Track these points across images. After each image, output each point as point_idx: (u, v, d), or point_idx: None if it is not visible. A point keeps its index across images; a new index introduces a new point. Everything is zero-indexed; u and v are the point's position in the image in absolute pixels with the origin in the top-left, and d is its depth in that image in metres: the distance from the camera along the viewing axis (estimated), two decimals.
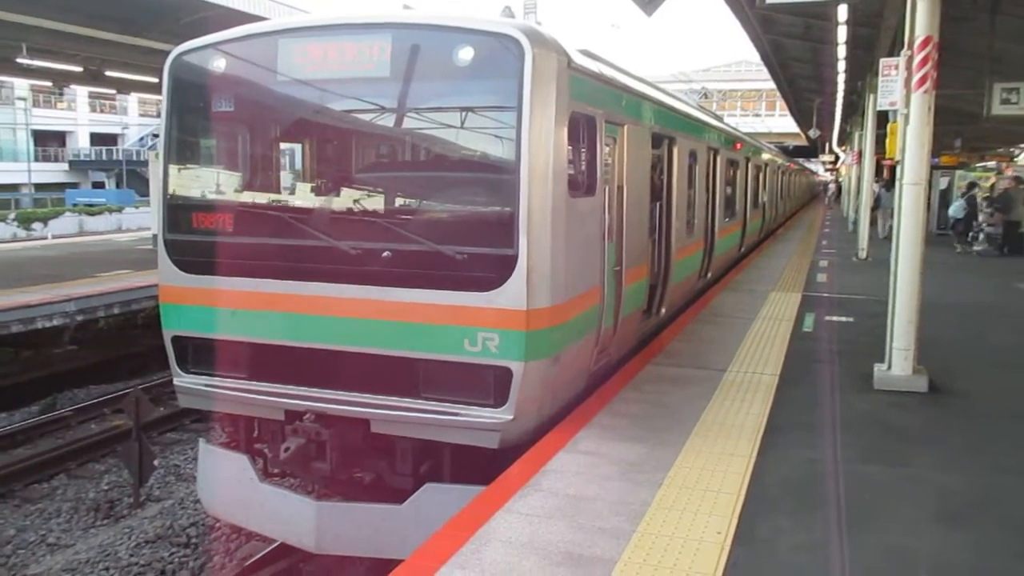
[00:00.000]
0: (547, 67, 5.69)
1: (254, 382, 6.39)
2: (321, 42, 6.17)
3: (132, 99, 63.37)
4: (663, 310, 9.75)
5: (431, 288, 5.74)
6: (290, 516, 6.26)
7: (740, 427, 6.34)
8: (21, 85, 54.87)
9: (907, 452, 6.07)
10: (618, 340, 7.70)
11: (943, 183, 27.37)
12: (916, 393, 7.49)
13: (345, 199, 6.49)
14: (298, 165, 7.24)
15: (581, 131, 6.49)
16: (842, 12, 13.78)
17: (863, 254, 19.34)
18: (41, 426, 11.78)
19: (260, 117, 6.91)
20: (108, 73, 20.25)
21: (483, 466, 5.82)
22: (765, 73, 28.45)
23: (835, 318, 11.32)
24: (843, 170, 50.53)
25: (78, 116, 67.90)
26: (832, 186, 71.23)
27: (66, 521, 9.00)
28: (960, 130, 26.10)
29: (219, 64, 6.45)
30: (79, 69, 19.64)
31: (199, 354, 6.63)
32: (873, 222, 22.04)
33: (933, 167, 25.75)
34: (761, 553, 4.36)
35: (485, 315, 5.64)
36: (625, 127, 7.52)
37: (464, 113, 6.08)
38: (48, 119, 65.54)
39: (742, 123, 43.05)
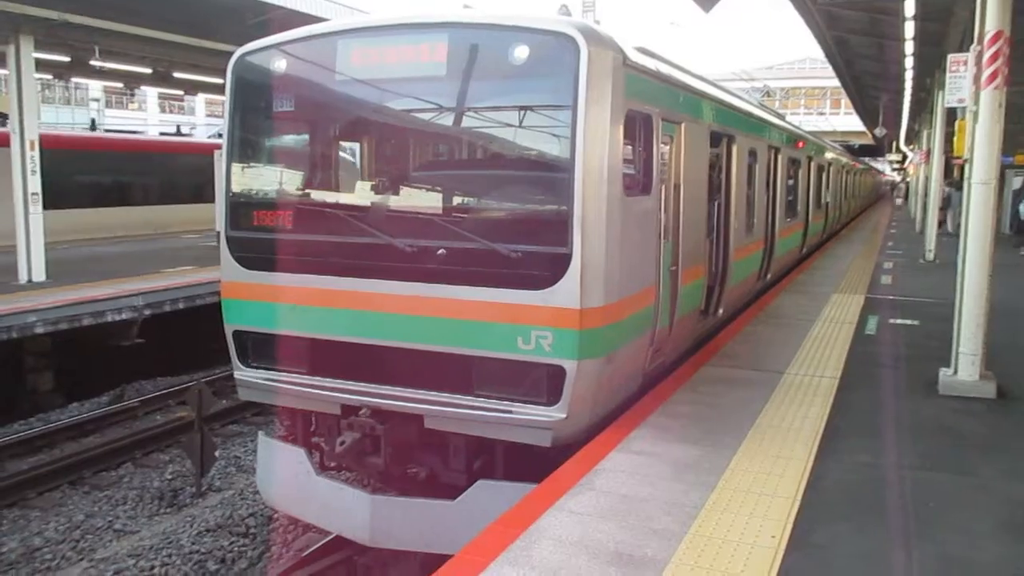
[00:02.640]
0: (602, 64, 5.66)
1: (311, 377, 6.50)
2: (379, 42, 6.25)
3: (200, 100, 64.99)
4: (721, 311, 9.62)
5: (485, 286, 5.76)
6: (345, 509, 6.36)
7: (797, 430, 6.23)
8: (95, 87, 56.87)
9: (972, 460, 5.89)
10: (674, 340, 7.62)
11: (1016, 183, 26.45)
12: (983, 399, 7.25)
13: (401, 197, 6.56)
14: (356, 164, 7.34)
15: (637, 129, 6.45)
16: (909, 7, 13.38)
17: (930, 255, 18.80)
18: (110, 416, 12.19)
19: (319, 116, 7.04)
20: (176, 75, 20.81)
21: (535, 464, 5.82)
22: (829, 71, 27.84)
23: (899, 321, 11.03)
24: (911, 169, 49.18)
25: (148, 116, 69.93)
26: (901, 185, 69.42)
27: (132, 508, 9.28)
28: None
29: (280, 64, 6.59)
30: (148, 71, 20.19)
31: (258, 349, 6.78)
32: (942, 221, 21.38)
33: (1006, 166, 25.10)
34: (816, 559, 4.28)
35: (539, 313, 5.64)
36: (683, 125, 7.44)
37: (520, 112, 6.08)
38: (120, 119, 67.63)
39: (806, 121, 42.26)
